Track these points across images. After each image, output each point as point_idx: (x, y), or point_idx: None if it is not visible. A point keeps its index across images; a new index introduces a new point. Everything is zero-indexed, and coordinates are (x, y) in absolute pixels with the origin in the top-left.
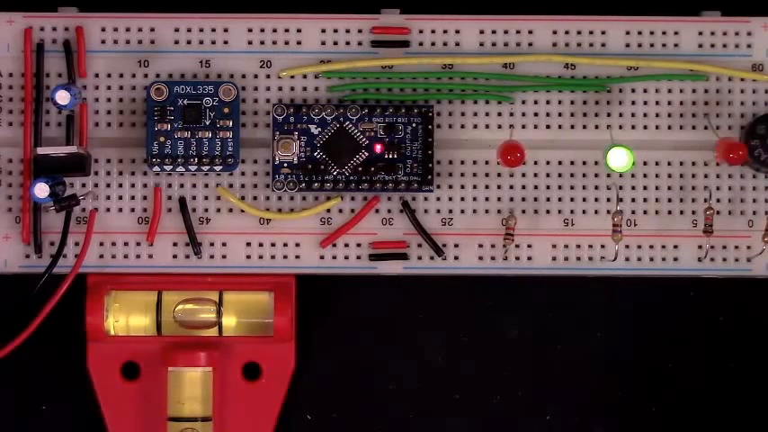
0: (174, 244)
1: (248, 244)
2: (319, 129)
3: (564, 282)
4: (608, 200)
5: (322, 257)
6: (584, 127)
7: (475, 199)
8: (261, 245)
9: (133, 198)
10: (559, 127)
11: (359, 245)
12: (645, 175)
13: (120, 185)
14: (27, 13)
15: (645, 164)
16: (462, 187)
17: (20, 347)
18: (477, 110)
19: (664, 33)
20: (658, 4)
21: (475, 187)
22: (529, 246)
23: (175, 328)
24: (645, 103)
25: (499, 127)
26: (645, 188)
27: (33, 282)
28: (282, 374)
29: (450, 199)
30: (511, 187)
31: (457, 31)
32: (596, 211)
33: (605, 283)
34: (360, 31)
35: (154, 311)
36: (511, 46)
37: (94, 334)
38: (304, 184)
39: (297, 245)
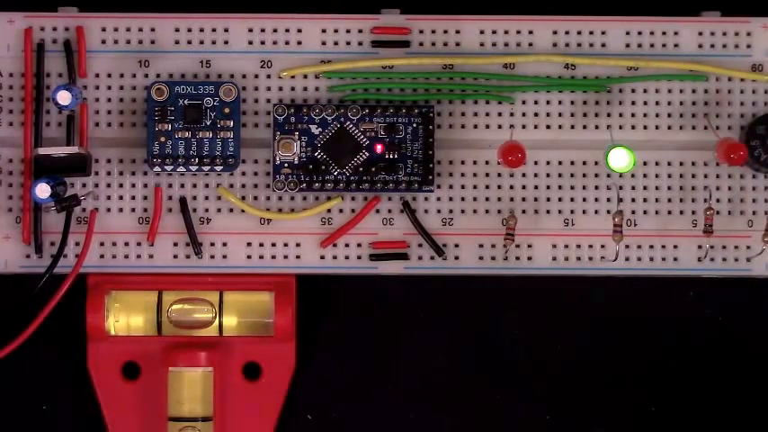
0: (175, 244)
1: (249, 244)
2: (320, 129)
3: (564, 282)
4: (608, 200)
5: (322, 257)
6: (585, 127)
7: (475, 199)
8: (261, 245)
9: (134, 198)
10: (559, 127)
11: (359, 245)
12: (645, 176)
13: (121, 185)
14: (27, 13)
15: (645, 164)
16: (463, 187)
17: (20, 347)
18: (477, 110)
19: (664, 33)
20: (658, 4)
21: (475, 187)
22: (529, 246)
23: (176, 328)
24: (645, 103)
25: (499, 127)
26: (645, 188)
27: (34, 282)
28: (282, 374)
29: (451, 199)
30: (511, 187)
31: (457, 32)
32: (596, 212)
33: (605, 283)
34: (360, 31)
35: (154, 311)
36: (511, 46)
37: (95, 334)
38: (305, 185)
39: (297, 245)
